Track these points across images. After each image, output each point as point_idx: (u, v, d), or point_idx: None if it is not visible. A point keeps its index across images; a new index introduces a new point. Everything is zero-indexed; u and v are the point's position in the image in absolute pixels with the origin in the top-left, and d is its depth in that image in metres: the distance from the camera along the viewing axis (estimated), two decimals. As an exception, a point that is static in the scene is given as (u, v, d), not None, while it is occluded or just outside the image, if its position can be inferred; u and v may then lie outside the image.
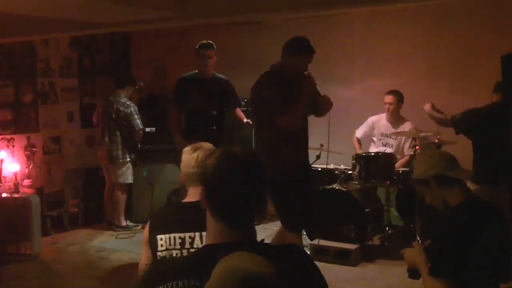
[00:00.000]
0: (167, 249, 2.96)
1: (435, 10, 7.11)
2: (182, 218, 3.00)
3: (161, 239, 2.98)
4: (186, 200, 3.09)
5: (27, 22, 5.46)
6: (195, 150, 3.08)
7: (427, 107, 6.12)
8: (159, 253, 2.99)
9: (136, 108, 7.55)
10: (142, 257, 3.20)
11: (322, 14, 7.12)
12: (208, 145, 3.15)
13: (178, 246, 2.95)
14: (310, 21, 7.73)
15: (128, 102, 7.51)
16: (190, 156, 3.06)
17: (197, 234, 2.92)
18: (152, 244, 3.03)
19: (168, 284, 1.82)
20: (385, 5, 6.21)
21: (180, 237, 2.95)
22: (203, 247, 1.97)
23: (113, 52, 8.95)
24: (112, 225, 7.66)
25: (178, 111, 6.52)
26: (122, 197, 7.65)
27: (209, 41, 6.32)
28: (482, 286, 2.91)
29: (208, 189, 1.90)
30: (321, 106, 5.45)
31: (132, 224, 7.71)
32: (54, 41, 7.87)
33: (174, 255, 2.96)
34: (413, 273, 3.09)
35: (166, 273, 1.88)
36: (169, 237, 2.97)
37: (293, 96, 5.11)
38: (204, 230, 1.98)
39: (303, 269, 1.94)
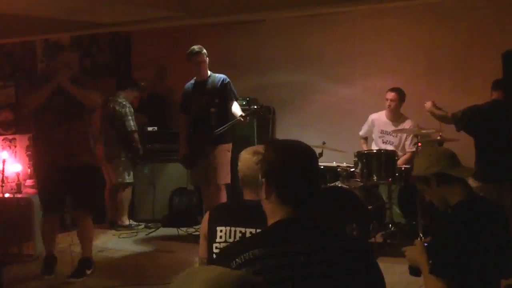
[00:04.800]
0: (225, 241, 2.97)
1: (436, 8, 7.11)
2: (245, 213, 3.02)
3: (221, 230, 3.00)
4: (246, 198, 3.11)
5: (27, 22, 5.47)
6: (255, 153, 3.05)
7: (428, 104, 6.12)
8: (216, 245, 3.00)
9: (131, 109, 7.53)
10: (200, 250, 3.20)
11: (322, 13, 7.12)
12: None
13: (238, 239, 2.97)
14: (310, 19, 7.75)
15: (124, 102, 7.51)
16: (253, 159, 3.02)
17: (259, 230, 2.92)
18: (211, 235, 3.04)
19: (245, 254, 1.98)
20: (385, 3, 6.21)
21: (240, 231, 2.97)
22: (271, 225, 2.15)
23: (114, 52, 8.95)
24: (114, 225, 7.66)
25: (184, 119, 6.75)
26: (125, 196, 7.65)
27: (198, 46, 6.46)
28: (483, 284, 2.91)
29: (272, 177, 2.14)
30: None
31: (135, 223, 7.71)
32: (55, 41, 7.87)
33: None
34: (414, 271, 3.08)
35: (242, 245, 2.10)
36: (230, 230, 3.00)
37: None
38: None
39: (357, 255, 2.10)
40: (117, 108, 7.45)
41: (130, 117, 7.48)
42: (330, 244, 2.06)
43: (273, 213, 2.15)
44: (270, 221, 2.16)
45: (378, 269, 2.13)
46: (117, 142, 7.53)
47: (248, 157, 3.07)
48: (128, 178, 7.64)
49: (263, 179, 2.15)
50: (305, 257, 1.97)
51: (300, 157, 2.19)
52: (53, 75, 5.57)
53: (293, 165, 2.15)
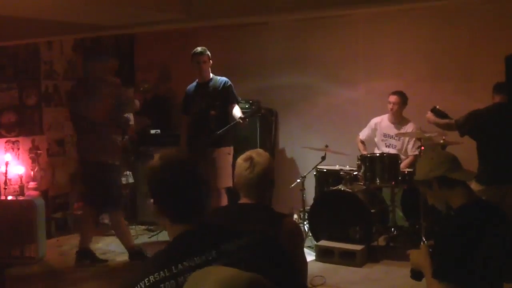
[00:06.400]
0: None
1: (439, 11, 7.10)
2: (237, 216, 3.04)
3: None
4: (242, 201, 3.13)
5: (30, 25, 5.47)
6: (246, 159, 3.07)
7: (429, 116, 6.09)
8: None
9: None
10: None
11: (325, 16, 7.12)
12: (256, 155, 3.15)
13: None
14: (313, 22, 7.75)
15: None
16: (243, 164, 3.07)
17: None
18: None
19: (146, 279, 1.93)
20: (388, 6, 6.19)
21: None
22: (168, 244, 2.11)
23: (118, 54, 8.95)
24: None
25: (185, 122, 6.80)
26: None
27: (202, 48, 6.54)
28: (486, 288, 2.90)
29: (159, 199, 2.13)
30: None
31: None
32: (58, 43, 7.88)
33: None
34: (416, 274, 3.07)
35: (145, 270, 2.00)
36: None
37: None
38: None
39: (264, 244, 2.10)
40: None
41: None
42: (227, 247, 2.02)
43: (170, 230, 2.13)
44: (170, 238, 2.13)
45: (282, 248, 2.15)
46: None
47: (240, 163, 3.11)
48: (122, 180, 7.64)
49: (151, 200, 2.13)
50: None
51: (177, 171, 2.13)
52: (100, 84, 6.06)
53: (173, 182, 2.11)
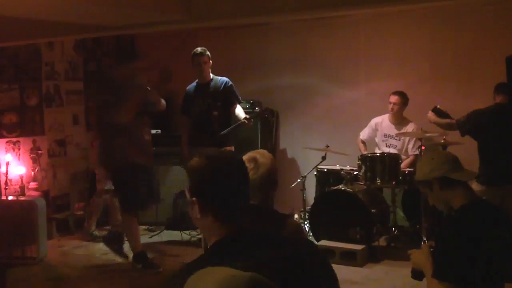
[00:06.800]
0: None
1: (440, 11, 7.10)
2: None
3: None
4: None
5: (31, 25, 5.47)
6: (250, 160, 3.05)
7: (430, 115, 6.10)
8: None
9: None
10: None
11: (326, 16, 7.12)
12: (260, 156, 3.13)
13: None
14: (314, 23, 7.75)
15: None
16: (248, 165, 3.03)
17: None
18: None
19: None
20: (389, 7, 6.19)
21: None
22: (214, 244, 2.05)
23: (119, 55, 8.96)
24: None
25: (186, 122, 6.82)
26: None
27: (202, 48, 6.53)
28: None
29: (206, 196, 2.06)
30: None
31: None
32: (59, 44, 7.88)
33: None
34: (417, 274, 3.08)
35: (182, 275, 1.89)
36: None
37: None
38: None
39: (310, 257, 2.04)
40: None
41: None
42: (278, 254, 1.98)
43: (212, 230, 2.08)
44: (212, 240, 2.08)
45: (330, 264, 2.11)
46: None
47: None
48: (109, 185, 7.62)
49: (194, 198, 2.07)
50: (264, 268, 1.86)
51: (229, 169, 2.09)
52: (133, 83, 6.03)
53: (226, 180, 2.07)
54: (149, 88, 6.11)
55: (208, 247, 2.08)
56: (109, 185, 7.32)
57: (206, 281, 1.46)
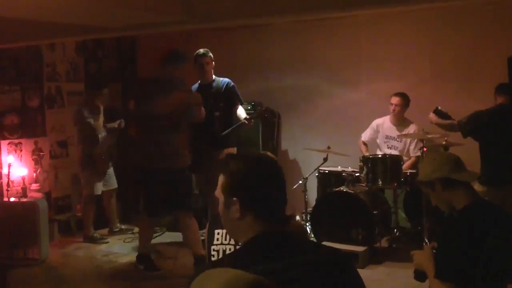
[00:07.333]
0: (221, 243, 3.14)
1: (441, 12, 7.10)
2: None
3: (218, 233, 3.16)
4: None
5: (33, 27, 5.48)
6: None
7: (431, 116, 6.10)
8: (213, 247, 3.16)
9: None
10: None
11: (328, 17, 7.12)
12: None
13: (233, 242, 3.11)
14: (316, 24, 7.75)
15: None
16: None
17: None
18: (210, 238, 3.21)
19: None
20: (390, 8, 6.19)
21: None
22: (252, 240, 2.04)
23: (120, 57, 8.97)
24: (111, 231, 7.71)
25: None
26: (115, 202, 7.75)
27: (205, 49, 6.52)
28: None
29: (247, 195, 2.05)
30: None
31: (124, 227, 7.76)
32: (61, 46, 7.89)
33: (228, 250, 3.14)
34: (419, 275, 3.08)
35: (233, 262, 1.94)
36: (224, 232, 3.15)
37: None
38: None
39: (341, 264, 2.04)
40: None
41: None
42: (317, 255, 2.02)
43: (249, 230, 2.06)
44: (246, 236, 2.06)
45: (358, 273, 2.11)
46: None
47: None
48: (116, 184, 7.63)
49: (235, 198, 2.05)
50: (303, 270, 1.92)
51: (271, 169, 2.13)
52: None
53: (268, 179, 2.09)
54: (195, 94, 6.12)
55: (242, 243, 2.08)
56: (98, 188, 7.37)
57: (211, 282, 1.48)
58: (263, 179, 2.08)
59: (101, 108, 7.27)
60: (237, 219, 2.05)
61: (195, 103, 6.05)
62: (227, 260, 2.08)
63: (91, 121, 7.14)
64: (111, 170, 7.55)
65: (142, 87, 6.40)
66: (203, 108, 6.08)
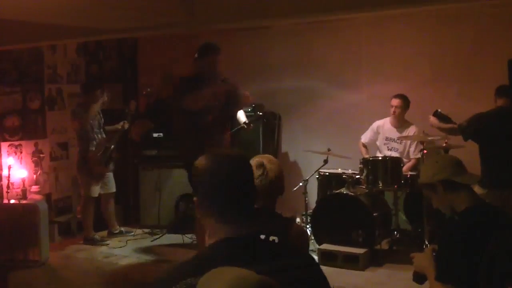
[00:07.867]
0: None
1: (441, 14, 7.10)
2: None
3: None
4: None
5: (34, 28, 5.49)
6: (258, 167, 3.05)
7: (432, 120, 6.10)
8: None
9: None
10: None
11: (328, 19, 7.13)
12: (268, 162, 3.12)
13: None
14: (316, 26, 7.75)
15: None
16: (257, 171, 3.02)
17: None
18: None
19: (181, 282, 1.80)
20: (390, 10, 6.20)
21: None
22: (208, 247, 1.98)
23: (121, 58, 8.97)
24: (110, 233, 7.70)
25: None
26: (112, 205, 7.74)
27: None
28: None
29: (208, 195, 1.98)
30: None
31: (124, 230, 7.76)
32: (62, 47, 7.89)
33: None
34: (418, 278, 3.08)
35: (175, 274, 1.87)
36: None
37: None
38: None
39: (306, 268, 2.00)
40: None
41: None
42: (269, 264, 1.88)
43: (214, 231, 1.99)
44: (210, 241, 1.98)
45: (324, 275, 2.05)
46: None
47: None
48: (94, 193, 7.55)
49: (195, 198, 2.00)
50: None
51: (235, 170, 2.00)
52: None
53: (228, 180, 1.97)
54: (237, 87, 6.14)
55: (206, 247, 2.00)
56: (95, 191, 7.34)
57: (217, 281, 1.49)
58: (221, 180, 1.96)
59: (96, 109, 7.25)
60: (202, 219, 2.01)
61: (238, 95, 6.10)
62: (178, 267, 1.94)
63: (85, 123, 7.13)
64: (110, 174, 7.53)
65: (188, 85, 6.29)
66: (245, 92, 6.13)
